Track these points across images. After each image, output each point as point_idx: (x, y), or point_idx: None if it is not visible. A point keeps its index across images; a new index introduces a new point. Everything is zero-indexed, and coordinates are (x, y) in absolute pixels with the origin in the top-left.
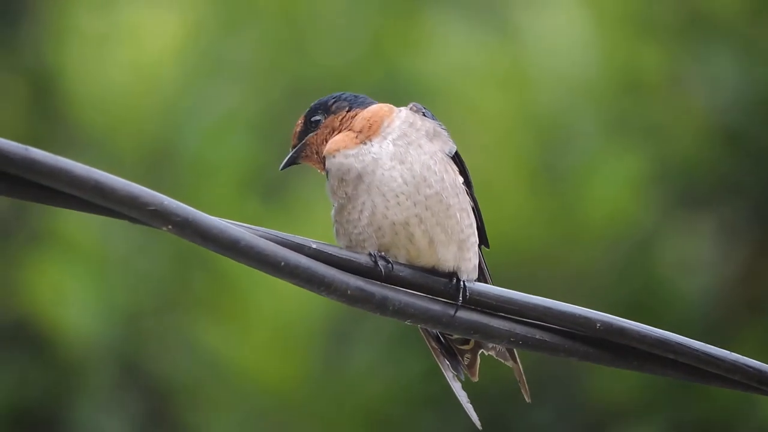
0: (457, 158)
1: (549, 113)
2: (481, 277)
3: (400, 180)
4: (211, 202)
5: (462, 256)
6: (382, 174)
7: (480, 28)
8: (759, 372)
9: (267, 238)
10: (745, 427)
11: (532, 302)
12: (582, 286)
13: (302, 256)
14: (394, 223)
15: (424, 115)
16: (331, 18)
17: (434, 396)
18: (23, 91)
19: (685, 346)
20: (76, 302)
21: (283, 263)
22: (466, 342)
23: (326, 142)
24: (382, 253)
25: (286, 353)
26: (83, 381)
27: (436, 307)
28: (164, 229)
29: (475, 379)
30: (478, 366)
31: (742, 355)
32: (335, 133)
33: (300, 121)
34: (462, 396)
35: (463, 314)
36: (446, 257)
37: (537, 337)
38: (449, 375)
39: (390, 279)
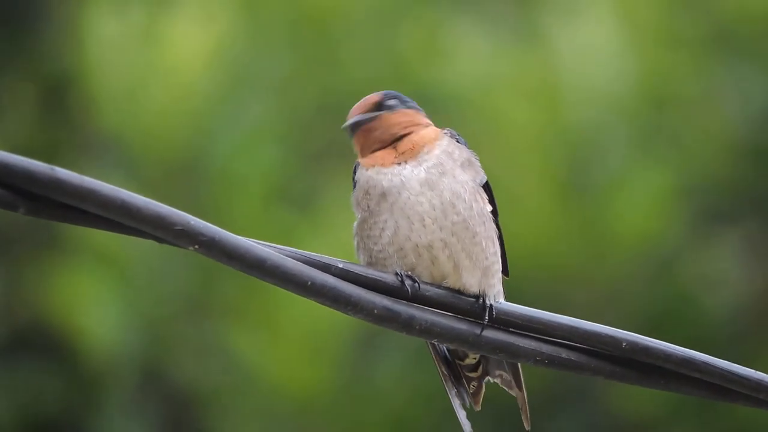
0: (486, 187)
1: (578, 126)
2: None
3: (427, 205)
4: (239, 213)
5: (487, 282)
6: (408, 197)
7: (509, 38)
8: None
9: (294, 258)
10: None
11: (558, 321)
12: (608, 300)
13: (329, 275)
14: (417, 246)
15: (458, 141)
16: (360, 30)
17: None
18: (41, 96)
19: (710, 365)
20: (98, 309)
21: (309, 282)
22: (475, 369)
23: (386, 132)
24: (409, 273)
25: (313, 361)
26: (105, 389)
27: (462, 327)
28: (191, 248)
29: (478, 407)
30: (482, 395)
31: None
32: (388, 135)
33: (376, 96)
34: (466, 425)
35: (489, 333)
36: (471, 282)
37: (563, 356)
38: (456, 403)
39: (416, 298)
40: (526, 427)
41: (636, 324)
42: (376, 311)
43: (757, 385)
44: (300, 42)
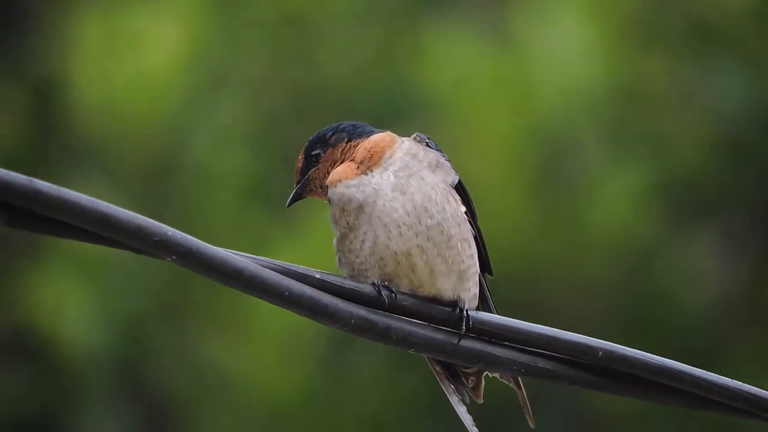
0: (460, 188)
1: (553, 124)
2: (485, 305)
3: (401, 211)
4: (213, 214)
5: (462, 286)
6: (383, 205)
7: (484, 38)
8: (760, 399)
9: (271, 268)
10: None
11: (535, 331)
12: (586, 298)
13: (306, 286)
14: (396, 253)
15: (428, 145)
16: (335, 28)
17: (435, 406)
18: (24, 101)
19: (686, 373)
20: (75, 312)
21: (287, 293)
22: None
23: (328, 174)
24: (386, 283)
25: (287, 363)
26: (83, 391)
27: (439, 336)
28: (168, 259)
29: (480, 400)
30: (482, 388)
31: (746, 365)
32: (337, 164)
33: (300, 156)
34: (467, 420)
35: (466, 343)
36: (445, 287)
37: (540, 365)
38: (454, 399)
39: (393, 308)
40: (531, 424)
41: (614, 322)
42: (353, 321)
43: (734, 394)
44: (275, 39)
